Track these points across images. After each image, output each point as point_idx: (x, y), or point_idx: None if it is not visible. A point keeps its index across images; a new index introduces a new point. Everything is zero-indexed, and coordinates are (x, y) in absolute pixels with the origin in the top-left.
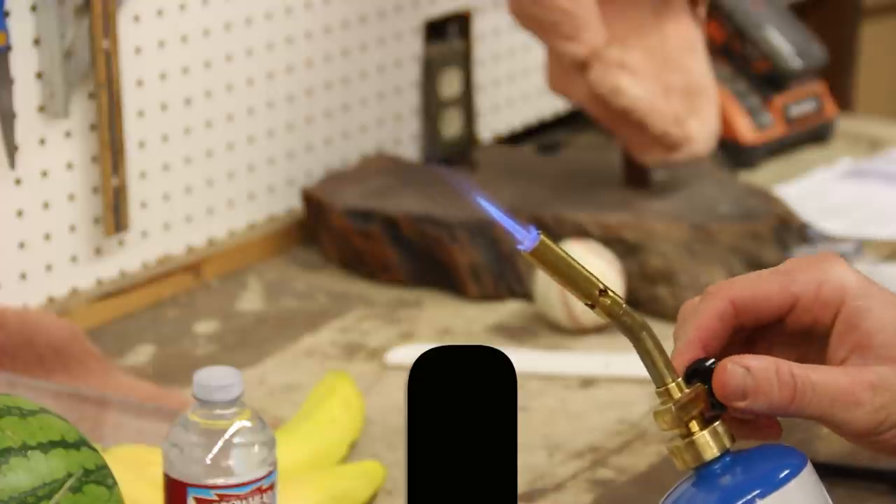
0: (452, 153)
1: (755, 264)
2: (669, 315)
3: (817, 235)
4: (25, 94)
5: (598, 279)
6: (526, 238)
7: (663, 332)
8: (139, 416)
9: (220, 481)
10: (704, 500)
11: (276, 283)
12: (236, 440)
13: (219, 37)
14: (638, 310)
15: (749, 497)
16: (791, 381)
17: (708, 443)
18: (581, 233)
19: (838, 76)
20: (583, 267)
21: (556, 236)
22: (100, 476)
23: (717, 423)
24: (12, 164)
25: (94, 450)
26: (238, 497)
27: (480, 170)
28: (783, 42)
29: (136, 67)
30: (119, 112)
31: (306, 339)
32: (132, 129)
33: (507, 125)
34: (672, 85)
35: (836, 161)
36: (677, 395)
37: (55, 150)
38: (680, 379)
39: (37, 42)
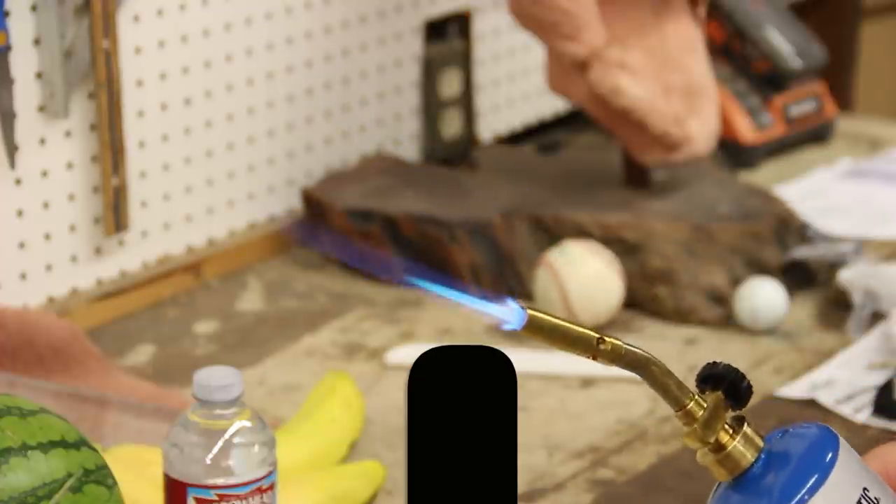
0: (452, 153)
1: (755, 264)
2: (669, 315)
3: (817, 235)
4: (25, 94)
5: (591, 331)
6: (512, 316)
7: (663, 332)
8: (139, 416)
9: (220, 481)
10: None
11: (276, 283)
12: (236, 440)
13: (219, 37)
14: (638, 310)
15: (798, 497)
16: None
17: (742, 451)
18: (581, 233)
19: (838, 76)
20: (573, 323)
21: (556, 236)
22: (100, 476)
23: (745, 426)
24: (12, 164)
25: (94, 450)
26: (238, 497)
27: (480, 170)
28: (783, 42)
29: (136, 67)
30: (119, 112)
31: (306, 339)
32: (132, 129)
33: (507, 125)
34: (672, 85)
35: (836, 161)
36: (698, 413)
37: (55, 150)
38: (696, 397)
39: (37, 42)
